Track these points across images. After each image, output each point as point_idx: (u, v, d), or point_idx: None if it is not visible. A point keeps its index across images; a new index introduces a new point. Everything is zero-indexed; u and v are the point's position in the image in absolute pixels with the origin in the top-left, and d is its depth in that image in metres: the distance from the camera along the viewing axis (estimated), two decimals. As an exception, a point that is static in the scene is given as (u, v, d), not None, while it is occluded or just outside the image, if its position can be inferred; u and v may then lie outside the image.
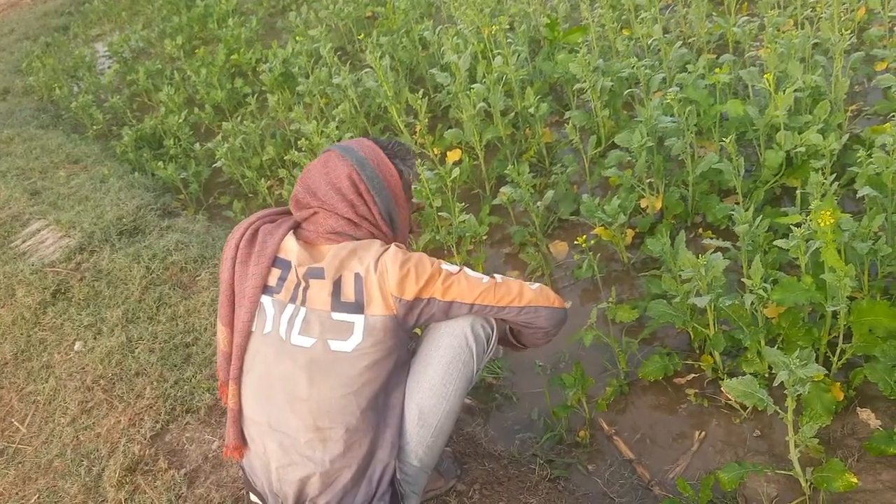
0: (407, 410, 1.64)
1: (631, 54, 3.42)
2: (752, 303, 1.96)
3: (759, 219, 2.15)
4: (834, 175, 2.18)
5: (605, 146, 3.20)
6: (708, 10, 3.75)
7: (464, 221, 2.81)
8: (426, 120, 3.50)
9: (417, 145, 3.70)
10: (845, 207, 2.55)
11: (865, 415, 1.98)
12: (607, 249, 2.88)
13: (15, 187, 4.38)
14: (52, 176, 4.61)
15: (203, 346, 2.65)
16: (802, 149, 2.47)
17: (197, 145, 4.73)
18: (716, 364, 2.23)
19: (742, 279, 2.09)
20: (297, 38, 5.10)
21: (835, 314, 1.95)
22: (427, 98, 3.44)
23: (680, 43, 3.30)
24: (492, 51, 3.61)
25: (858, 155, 2.09)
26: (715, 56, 3.53)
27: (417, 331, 1.93)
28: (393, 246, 1.60)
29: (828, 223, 1.77)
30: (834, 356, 2.03)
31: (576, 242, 2.62)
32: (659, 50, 3.36)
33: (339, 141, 3.56)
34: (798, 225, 1.90)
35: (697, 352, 2.33)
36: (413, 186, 1.97)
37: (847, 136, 2.50)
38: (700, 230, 2.79)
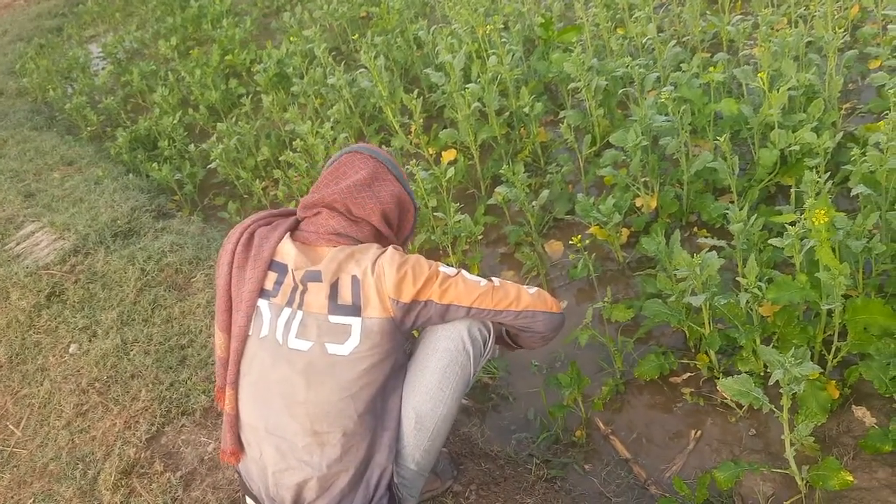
0: (404, 414, 1.64)
1: (625, 53, 3.43)
2: (748, 301, 1.97)
3: (753, 217, 2.15)
4: (828, 173, 2.18)
5: (599, 145, 3.20)
6: (702, 9, 3.75)
7: (459, 221, 2.81)
8: (421, 120, 3.50)
9: (412, 145, 3.69)
10: (839, 206, 2.55)
11: (861, 413, 1.98)
12: (602, 249, 2.88)
13: (9, 189, 4.37)
14: (47, 178, 4.59)
15: (198, 348, 2.64)
16: (797, 147, 2.47)
17: (191, 146, 4.71)
18: (711, 363, 2.23)
19: (737, 278, 2.10)
20: (292, 38, 5.08)
21: (830, 312, 1.96)
22: (422, 98, 3.43)
23: (674, 42, 3.29)
24: (486, 50, 3.61)
25: (852, 153, 2.10)
26: (709, 55, 3.53)
27: (415, 333, 1.93)
28: (390, 248, 1.60)
29: (822, 221, 1.77)
30: (829, 354, 2.03)
31: (571, 242, 2.62)
32: (653, 49, 3.36)
33: (333, 142, 3.56)
34: (793, 223, 1.90)
35: (693, 351, 2.34)
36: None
37: (841, 134, 2.51)
38: (695, 229, 2.80)
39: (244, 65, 5.68)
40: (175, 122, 4.85)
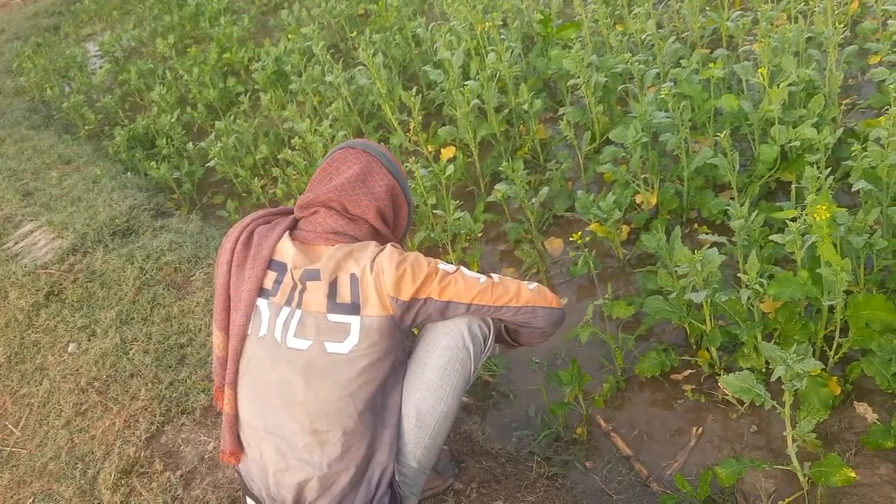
0: (405, 412, 1.63)
1: (625, 50, 3.42)
2: (749, 298, 1.96)
3: (754, 213, 2.15)
4: (829, 169, 2.18)
5: (599, 142, 3.19)
6: (701, 5, 3.74)
7: (458, 219, 2.80)
8: (420, 117, 3.48)
9: (411, 143, 3.68)
10: (840, 201, 2.55)
11: (862, 409, 1.98)
12: (603, 246, 2.88)
13: (7, 189, 4.36)
14: (45, 177, 4.58)
15: (198, 347, 2.64)
16: (797, 143, 2.46)
17: (190, 145, 4.70)
18: (712, 360, 2.22)
19: (738, 274, 2.09)
20: (290, 36, 5.07)
21: (831, 308, 1.95)
22: (420, 95, 3.42)
23: (674, 38, 3.29)
24: (485, 47, 3.59)
25: (853, 149, 2.09)
26: (709, 51, 3.52)
27: (415, 330, 1.92)
28: (389, 246, 1.59)
29: (823, 217, 1.77)
30: (830, 350, 2.03)
31: (571, 239, 2.62)
32: (653, 45, 3.35)
33: (332, 140, 3.55)
34: (793, 219, 1.90)
35: (694, 347, 2.33)
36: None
37: (841, 129, 2.50)
38: (695, 225, 2.79)
39: (242, 63, 5.67)
40: (173, 120, 4.84)
